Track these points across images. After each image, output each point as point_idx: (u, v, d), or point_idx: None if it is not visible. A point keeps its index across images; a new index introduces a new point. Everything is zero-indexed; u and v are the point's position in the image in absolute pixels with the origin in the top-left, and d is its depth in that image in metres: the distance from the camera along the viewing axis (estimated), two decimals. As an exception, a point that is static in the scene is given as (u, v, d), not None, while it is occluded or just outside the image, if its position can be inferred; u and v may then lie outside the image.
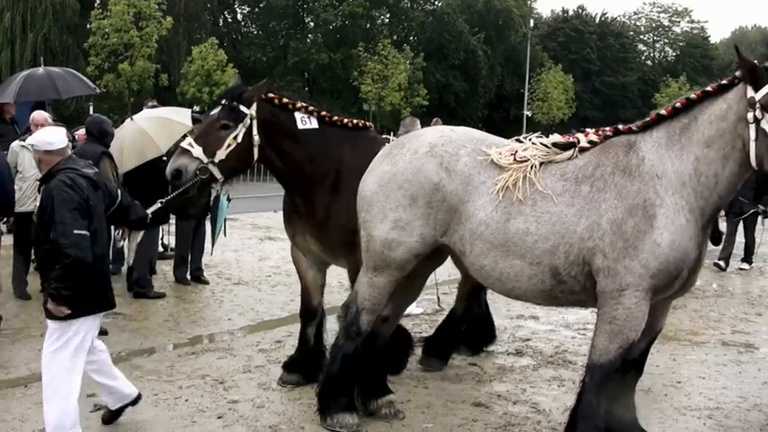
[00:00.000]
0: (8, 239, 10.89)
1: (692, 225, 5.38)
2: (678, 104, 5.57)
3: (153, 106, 13.05)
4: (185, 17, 55.30)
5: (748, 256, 15.76)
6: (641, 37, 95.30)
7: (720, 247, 14.94)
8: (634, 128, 5.69)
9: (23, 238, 10.07)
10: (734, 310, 11.83)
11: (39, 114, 10.94)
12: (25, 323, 9.36)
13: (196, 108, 34.07)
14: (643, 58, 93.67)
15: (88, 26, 46.23)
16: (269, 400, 7.16)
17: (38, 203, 6.03)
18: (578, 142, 5.83)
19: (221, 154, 6.75)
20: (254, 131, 6.85)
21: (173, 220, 12.40)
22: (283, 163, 7.14)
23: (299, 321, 7.79)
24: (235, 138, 6.78)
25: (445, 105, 63.91)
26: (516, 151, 5.92)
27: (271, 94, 7.08)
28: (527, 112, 66.04)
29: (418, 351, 8.34)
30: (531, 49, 68.93)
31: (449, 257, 6.77)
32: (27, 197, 9.89)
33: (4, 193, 8.83)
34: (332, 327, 7.87)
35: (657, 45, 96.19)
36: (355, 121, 7.54)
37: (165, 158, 9.63)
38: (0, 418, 6.50)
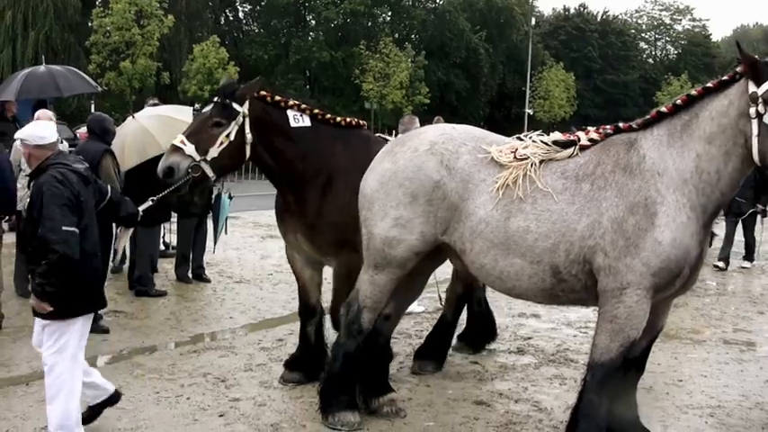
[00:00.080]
0: (10, 237, 10.88)
1: (694, 222, 5.36)
2: (679, 101, 5.56)
3: (154, 104, 13.04)
4: (187, 15, 55.38)
5: (749, 255, 15.75)
6: (643, 35, 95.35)
7: (720, 247, 14.93)
8: (635, 125, 5.68)
9: (26, 237, 10.06)
10: (735, 309, 11.81)
11: (43, 113, 10.92)
12: (27, 321, 9.33)
13: (197, 106, 33.96)
14: (644, 56, 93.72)
15: (90, 24, 46.32)
16: (270, 399, 7.16)
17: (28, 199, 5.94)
18: (579, 140, 5.82)
19: (214, 152, 6.73)
20: (247, 129, 6.82)
21: (174, 218, 12.41)
22: (275, 161, 7.12)
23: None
24: (227, 136, 6.76)
25: (447, 104, 63.98)
26: (516, 149, 5.91)
27: (263, 92, 7.06)
28: (528, 111, 66.10)
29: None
30: (532, 48, 68.97)
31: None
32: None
33: (5, 192, 8.81)
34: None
35: (659, 43, 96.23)
36: (348, 119, 7.51)
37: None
38: (2, 416, 6.50)
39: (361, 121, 7.66)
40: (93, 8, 45.04)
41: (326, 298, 10.54)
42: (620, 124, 5.80)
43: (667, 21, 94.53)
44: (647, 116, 5.69)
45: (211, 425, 6.52)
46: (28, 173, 9.84)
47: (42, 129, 5.96)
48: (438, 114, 16.63)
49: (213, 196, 11.80)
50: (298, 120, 7.12)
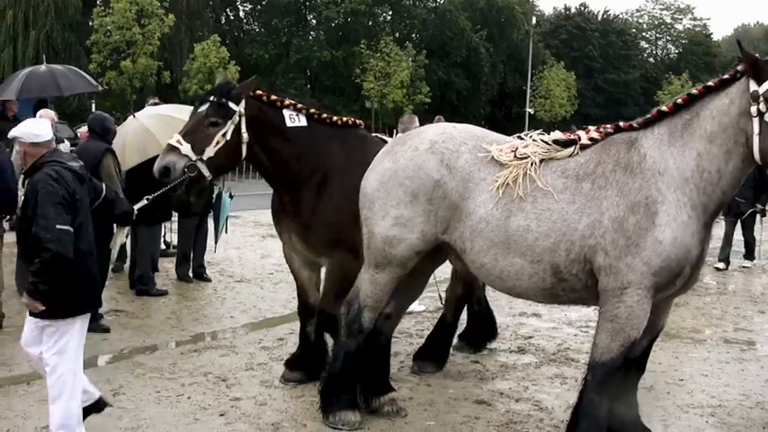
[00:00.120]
0: (10, 237, 10.88)
1: (695, 222, 5.35)
2: (679, 100, 5.55)
3: (155, 104, 13.05)
4: (187, 14, 55.41)
5: (750, 254, 15.75)
6: (643, 34, 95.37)
7: (719, 247, 14.92)
8: (635, 125, 5.67)
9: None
10: (736, 308, 11.81)
11: (46, 113, 10.95)
12: (28, 321, 9.36)
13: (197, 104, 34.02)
14: (645, 55, 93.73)
15: (90, 23, 46.37)
16: (271, 398, 7.16)
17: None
18: (579, 139, 5.81)
19: (210, 151, 6.70)
20: (243, 129, 6.80)
21: (175, 217, 12.41)
22: (271, 161, 7.10)
23: (301, 319, 7.78)
24: (223, 135, 6.73)
25: (447, 103, 64.01)
26: (517, 148, 5.91)
27: (259, 91, 7.05)
28: (529, 110, 66.11)
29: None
30: (533, 47, 68.96)
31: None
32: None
33: (6, 191, 8.81)
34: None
35: (660, 42, 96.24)
36: (345, 118, 7.49)
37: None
38: (3, 416, 6.50)
39: (357, 121, 7.64)
40: (94, 7, 45.11)
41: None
42: (621, 123, 5.79)
43: (668, 20, 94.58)
44: (648, 115, 5.68)
45: (212, 424, 6.52)
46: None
47: (38, 126, 5.91)
48: (439, 114, 16.61)
49: (214, 195, 11.79)
50: (294, 119, 7.10)
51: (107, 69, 43.75)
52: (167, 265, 12.77)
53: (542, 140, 5.91)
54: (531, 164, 5.74)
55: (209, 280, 12.24)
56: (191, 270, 12.23)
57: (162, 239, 13.35)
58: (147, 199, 6.84)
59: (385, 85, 55.10)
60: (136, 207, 6.62)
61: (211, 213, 12.12)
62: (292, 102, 7.20)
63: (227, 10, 69.70)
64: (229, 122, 6.75)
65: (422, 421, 6.70)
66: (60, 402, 5.67)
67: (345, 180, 6.95)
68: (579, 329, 10.00)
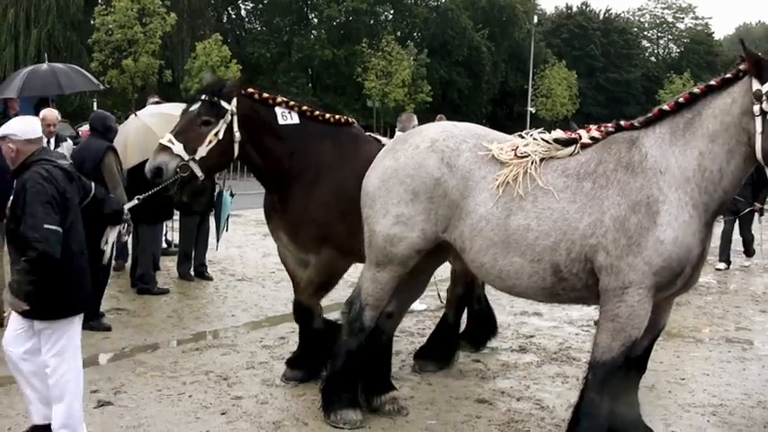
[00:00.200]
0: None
1: (696, 221, 5.35)
2: (681, 99, 5.53)
3: (156, 102, 13.06)
4: (189, 13, 55.38)
5: (748, 251, 15.73)
6: (645, 33, 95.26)
7: (718, 246, 14.90)
8: (636, 124, 5.66)
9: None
10: (737, 307, 11.81)
11: (49, 112, 10.96)
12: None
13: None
14: (647, 54, 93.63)
15: (92, 22, 46.31)
16: (273, 397, 7.16)
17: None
18: (580, 138, 5.81)
19: (202, 151, 6.67)
20: (235, 127, 6.77)
21: (177, 216, 12.42)
22: (263, 159, 7.06)
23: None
24: (216, 134, 6.70)
25: (449, 102, 63.98)
26: (517, 147, 5.91)
27: (251, 89, 7.02)
28: (531, 109, 66.03)
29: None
30: (534, 46, 68.85)
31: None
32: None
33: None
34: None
35: (661, 41, 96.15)
36: (337, 116, 7.45)
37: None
38: (4, 414, 6.51)
39: (350, 119, 7.61)
40: (96, 6, 45.06)
41: (332, 296, 10.56)
42: (622, 122, 5.78)
43: (670, 19, 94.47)
44: (650, 114, 5.67)
45: (213, 423, 6.52)
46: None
47: (31, 123, 5.85)
48: (440, 112, 16.61)
49: (215, 194, 11.80)
50: (286, 117, 7.06)
51: (108, 68, 43.71)
52: (169, 264, 12.79)
53: (543, 139, 5.90)
54: (532, 163, 5.74)
55: (210, 278, 12.25)
56: (192, 269, 12.24)
57: (163, 238, 13.35)
58: (138, 199, 6.81)
59: (386, 83, 55.04)
60: (126, 207, 6.56)
61: (213, 212, 12.13)
62: (284, 99, 7.16)
63: (229, 9, 69.64)
64: (221, 121, 6.72)
65: (423, 420, 6.71)
66: (63, 403, 5.66)
67: (335, 178, 6.94)
68: (580, 328, 10.01)
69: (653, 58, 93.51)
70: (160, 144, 6.73)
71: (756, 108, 5.09)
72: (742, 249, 15.82)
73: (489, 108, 72.10)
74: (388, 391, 6.81)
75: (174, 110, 11.41)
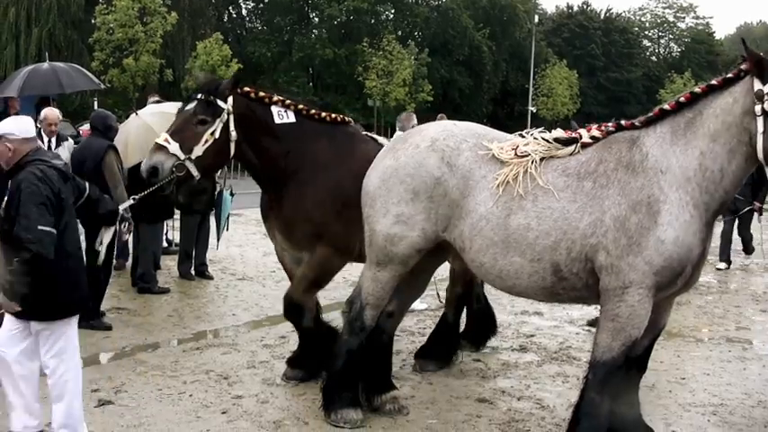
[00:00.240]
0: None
1: (697, 221, 5.34)
2: (682, 99, 5.52)
3: (157, 101, 13.06)
4: (190, 12, 55.43)
5: (747, 249, 15.70)
6: (646, 33, 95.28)
7: (718, 246, 14.88)
8: (637, 123, 5.65)
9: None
10: (738, 307, 11.79)
11: (51, 112, 10.96)
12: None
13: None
14: (648, 53, 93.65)
15: (93, 21, 46.34)
16: (273, 396, 7.16)
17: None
18: (580, 138, 5.80)
19: (198, 150, 6.62)
20: (231, 126, 6.73)
21: (177, 215, 12.42)
22: (259, 159, 7.03)
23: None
24: (212, 133, 6.66)
25: (450, 101, 64.03)
26: (517, 146, 5.90)
27: (246, 88, 6.99)
28: (531, 108, 66.04)
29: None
30: (535, 45, 68.89)
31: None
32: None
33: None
34: (337, 322, 7.84)
35: (662, 41, 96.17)
36: (333, 115, 7.41)
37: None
38: (5, 413, 6.49)
39: (347, 118, 7.58)
40: (97, 5, 45.10)
41: (333, 296, 10.55)
42: (623, 122, 5.78)
43: (671, 18, 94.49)
44: (650, 114, 5.66)
45: (214, 422, 6.52)
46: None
47: (25, 122, 5.81)
48: (441, 112, 16.61)
49: (216, 193, 11.80)
50: (282, 116, 7.03)
51: (109, 67, 43.75)
52: (169, 263, 12.79)
53: (543, 138, 5.89)
54: (532, 162, 5.73)
55: (211, 278, 12.25)
56: (193, 268, 12.24)
57: (164, 237, 13.35)
58: (134, 199, 6.79)
59: (387, 83, 55.06)
60: (121, 207, 6.52)
61: (213, 211, 12.13)
62: (280, 98, 7.12)
63: (230, 8, 69.72)
64: (218, 120, 6.68)
65: (424, 419, 6.70)
66: (62, 403, 5.67)
67: (331, 176, 6.92)
68: (581, 328, 10.00)
69: (654, 58, 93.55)
70: (156, 143, 6.69)
71: (758, 108, 5.08)
72: (741, 248, 15.80)
73: (490, 107, 72.15)
74: (389, 390, 6.81)
75: (175, 109, 11.43)
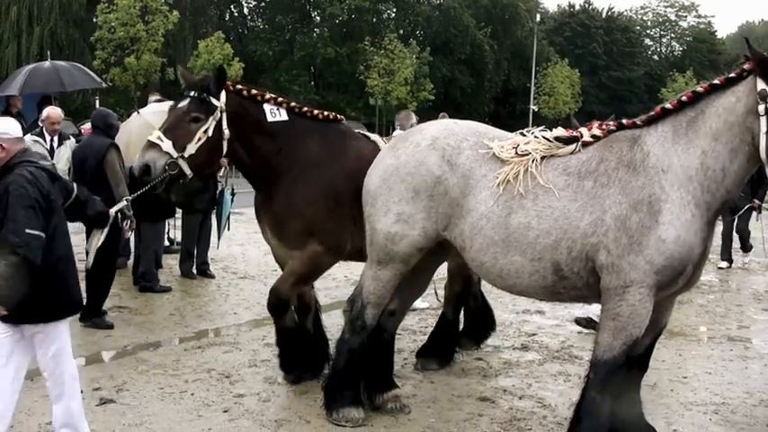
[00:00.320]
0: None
1: (698, 220, 5.33)
2: (684, 98, 5.52)
3: (158, 100, 13.06)
4: (191, 11, 55.46)
5: (745, 246, 15.62)
6: (648, 32, 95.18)
7: (719, 245, 14.84)
8: (638, 122, 5.65)
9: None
10: (739, 306, 11.80)
11: (53, 110, 10.97)
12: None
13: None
14: (650, 52, 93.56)
15: (94, 20, 46.32)
16: (275, 395, 7.17)
17: None
18: (581, 136, 5.80)
19: (191, 148, 6.55)
20: (224, 125, 6.67)
21: (179, 214, 12.42)
22: (251, 157, 6.97)
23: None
24: (205, 131, 6.59)
25: (451, 100, 63.99)
26: (518, 145, 5.90)
27: (239, 86, 6.95)
28: (533, 107, 65.97)
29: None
30: (537, 44, 68.82)
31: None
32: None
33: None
34: (338, 321, 7.86)
35: (664, 40, 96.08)
36: (326, 112, 7.37)
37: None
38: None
39: (339, 116, 7.53)
40: (98, 4, 45.02)
41: (334, 294, 10.56)
42: (624, 120, 5.77)
43: (672, 17, 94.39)
44: (652, 112, 5.65)
45: (215, 420, 6.52)
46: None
47: (13, 122, 5.70)
48: (443, 111, 16.59)
49: (217, 192, 11.81)
50: (275, 114, 6.98)
51: (111, 66, 43.76)
52: (171, 262, 12.80)
53: (544, 137, 5.89)
54: (533, 161, 5.73)
55: (212, 276, 12.25)
56: (194, 267, 12.25)
57: (166, 236, 13.36)
58: (127, 200, 6.76)
59: (389, 82, 55.03)
60: (114, 209, 6.40)
61: (215, 210, 12.14)
62: (273, 96, 7.08)
63: (232, 6, 69.69)
64: (211, 118, 6.61)
65: (425, 418, 6.71)
66: (61, 403, 5.66)
67: (323, 174, 6.88)
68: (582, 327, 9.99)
69: (655, 57, 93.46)
70: (148, 141, 6.60)
71: (761, 107, 5.08)
72: (739, 246, 15.73)
73: (492, 106, 72.12)
74: (391, 389, 6.81)
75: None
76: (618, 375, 5.57)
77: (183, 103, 6.70)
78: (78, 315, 9.08)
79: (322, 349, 7.64)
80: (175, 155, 6.50)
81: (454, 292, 8.37)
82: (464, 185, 5.86)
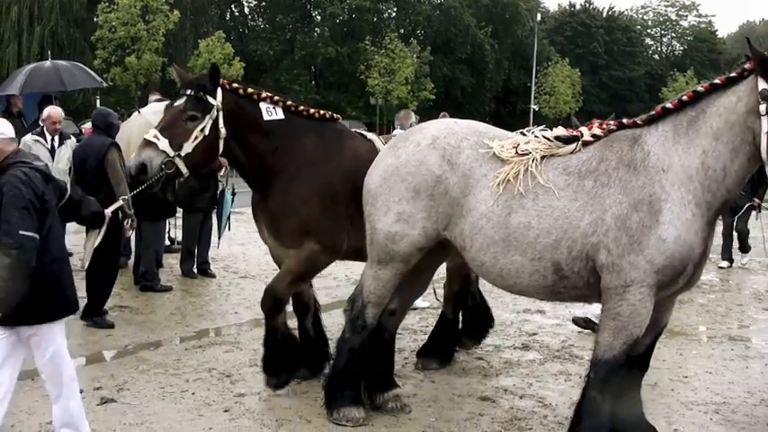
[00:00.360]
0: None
1: (699, 219, 5.33)
2: (685, 97, 5.52)
3: (158, 99, 13.06)
4: (192, 11, 55.47)
5: (744, 246, 15.50)
6: (648, 31, 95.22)
7: (720, 244, 14.80)
8: (639, 121, 5.64)
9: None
10: (740, 305, 11.80)
11: (54, 110, 10.96)
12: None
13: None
14: (650, 52, 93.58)
15: (95, 19, 46.36)
16: (275, 394, 7.16)
17: None
18: (582, 136, 5.80)
19: (188, 147, 6.49)
20: (221, 123, 6.62)
21: (179, 213, 12.42)
22: (247, 156, 6.93)
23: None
24: (202, 130, 6.54)
25: (452, 99, 64.03)
26: (518, 144, 5.89)
27: (235, 85, 6.92)
28: (534, 107, 65.99)
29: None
30: (538, 43, 68.84)
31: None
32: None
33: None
34: (339, 320, 7.85)
35: (665, 39, 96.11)
36: (322, 111, 7.33)
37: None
38: (8, 411, 6.46)
39: (335, 115, 7.51)
40: (99, 3, 45.06)
41: (335, 294, 10.56)
42: (624, 120, 5.76)
43: (673, 17, 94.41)
44: (652, 112, 5.65)
45: (216, 420, 6.53)
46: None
47: (4, 122, 5.63)
48: (443, 110, 16.58)
49: (218, 192, 11.82)
50: (271, 112, 6.94)
51: (112, 65, 43.81)
52: (172, 261, 12.80)
53: (544, 137, 5.88)
54: (533, 160, 5.72)
55: (213, 276, 12.25)
56: (195, 266, 12.25)
57: (166, 235, 13.36)
58: (123, 200, 6.73)
59: (390, 81, 55.05)
60: (110, 209, 6.36)
61: (215, 210, 12.14)
62: (269, 94, 7.04)
63: (232, 6, 69.73)
64: (207, 117, 6.57)
65: (426, 418, 6.71)
66: (60, 403, 5.66)
67: (319, 172, 6.86)
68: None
69: (656, 56, 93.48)
70: (145, 139, 6.56)
71: (763, 107, 5.08)
72: (737, 246, 15.62)
73: (492, 106, 72.15)
74: (391, 388, 6.81)
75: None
76: (618, 375, 5.57)
77: (180, 102, 6.64)
78: (79, 315, 9.11)
79: (322, 348, 7.64)
80: (172, 153, 6.45)
81: (453, 292, 8.37)
82: (464, 185, 5.86)
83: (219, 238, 12.14)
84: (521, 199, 5.62)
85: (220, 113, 6.63)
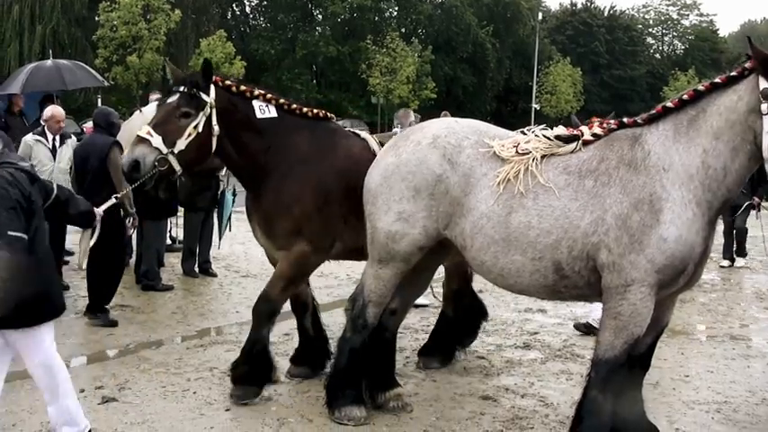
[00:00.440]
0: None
1: (699, 219, 5.32)
2: (685, 96, 5.51)
3: (159, 99, 13.06)
4: (193, 10, 55.50)
5: (741, 247, 15.43)
6: (650, 30, 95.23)
7: (721, 243, 14.77)
8: (639, 120, 5.63)
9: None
10: (742, 305, 11.79)
11: (57, 109, 10.97)
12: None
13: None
14: (652, 51, 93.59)
15: (96, 19, 46.42)
16: (277, 393, 7.16)
17: None
18: (582, 135, 5.79)
19: (181, 144, 6.42)
20: (214, 120, 6.57)
21: (181, 212, 12.43)
22: (239, 154, 6.87)
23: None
24: (195, 127, 6.47)
25: (453, 98, 64.07)
26: (518, 143, 5.89)
27: (228, 82, 6.87)
28: (535, 106, 66.04)
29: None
30: (539, 43, 68.90)
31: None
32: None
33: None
34: (340, 320, 7.84)
35: (666, 38, 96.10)
36: (316, 110, 7.29)
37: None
38: (9, 410, 6.51)
39: (329, 114, 7.46)
40: (100, 2, 45.11)
41: (336, 293, 10.56)
42: (625, 119, 5.76)
43: (674, 16, 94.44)
44: (653, 111, 5.64)
45: (218, 419, 6.53)
46: (39, 170, 9.85)
47: None
48: (444, 109, 16.57)
49: (219, 192, 11.83)
50: (264, 110, 6.89)
51: (113, 64, 43.85)
52: (173, 261, 12.80)
53: (545, 136, 5.88)
54: (533, 160, 5.71)
55: (214, 275, 12.26)
56: (196, 265, 12.25)
57: (168, 234, 13.37)
58: (116, 197, 6.69)
59: (391, 80, 55.09)
60: (101, 208, 6.25)
61: (216, 209, 12.15)
62: (262, 92, 6.99)
63: (234, 5, 69.75)
64: (201, 114, 6.51)
65: (427, 417, 6.70)
66: (57, 403, 5.63)
67: (312, 171, 6.82)
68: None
69: (657, 55, 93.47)
70: (138, 136, 6.47)
71: (764, 106, 5.07)
72: (735, 249, 15.54)
73: (494, 105, 72.20)
74: (393, 387, 6.80)
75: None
76: (619, 374, 5.56)
77: (173, 99, 6.58)
78: (80, 314, 9.13)
79: (322, 347, 7.64)
80: (165, 150, 6.39)
81: (452, 290, 8.37)
82: (465, 184, 5.86)
83: (220, 239, 12.14)
84: (521, 198, 5.61)
85: (213, 110, 6.57)
